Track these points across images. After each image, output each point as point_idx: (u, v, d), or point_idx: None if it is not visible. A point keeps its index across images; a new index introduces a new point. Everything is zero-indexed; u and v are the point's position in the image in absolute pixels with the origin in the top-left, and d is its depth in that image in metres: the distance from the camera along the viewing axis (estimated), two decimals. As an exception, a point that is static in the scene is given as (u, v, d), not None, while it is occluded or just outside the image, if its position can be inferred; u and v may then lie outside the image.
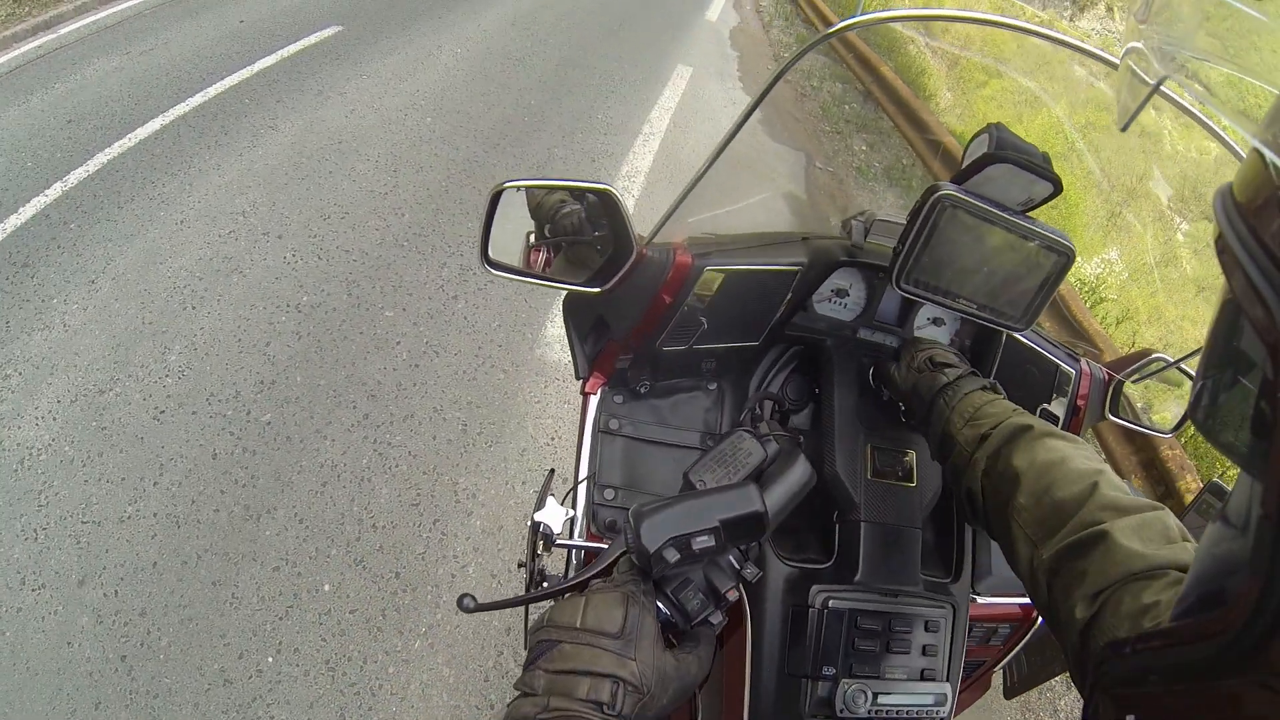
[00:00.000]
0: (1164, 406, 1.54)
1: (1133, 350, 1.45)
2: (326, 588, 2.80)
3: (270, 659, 2.59)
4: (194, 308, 3.91)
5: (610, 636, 0.77)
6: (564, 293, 1.25)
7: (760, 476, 0.93)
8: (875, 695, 1.06)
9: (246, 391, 3.49)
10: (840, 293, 1.34)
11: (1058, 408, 1.41)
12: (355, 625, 2.69)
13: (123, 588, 2.74)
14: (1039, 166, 1.04)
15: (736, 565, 0.87)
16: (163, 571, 2.80)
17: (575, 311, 1.30)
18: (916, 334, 1.37)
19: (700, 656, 0.84)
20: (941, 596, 1.17)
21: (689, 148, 6.05)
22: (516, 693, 0.76)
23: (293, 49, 6.76)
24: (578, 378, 1.32)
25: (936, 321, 1.39)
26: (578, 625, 0.78)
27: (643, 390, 1.32)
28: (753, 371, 1.38)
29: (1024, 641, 1.43)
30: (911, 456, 1.22)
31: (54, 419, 3.33)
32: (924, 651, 1.13)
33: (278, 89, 6.08)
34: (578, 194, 1.22)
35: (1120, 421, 1.45)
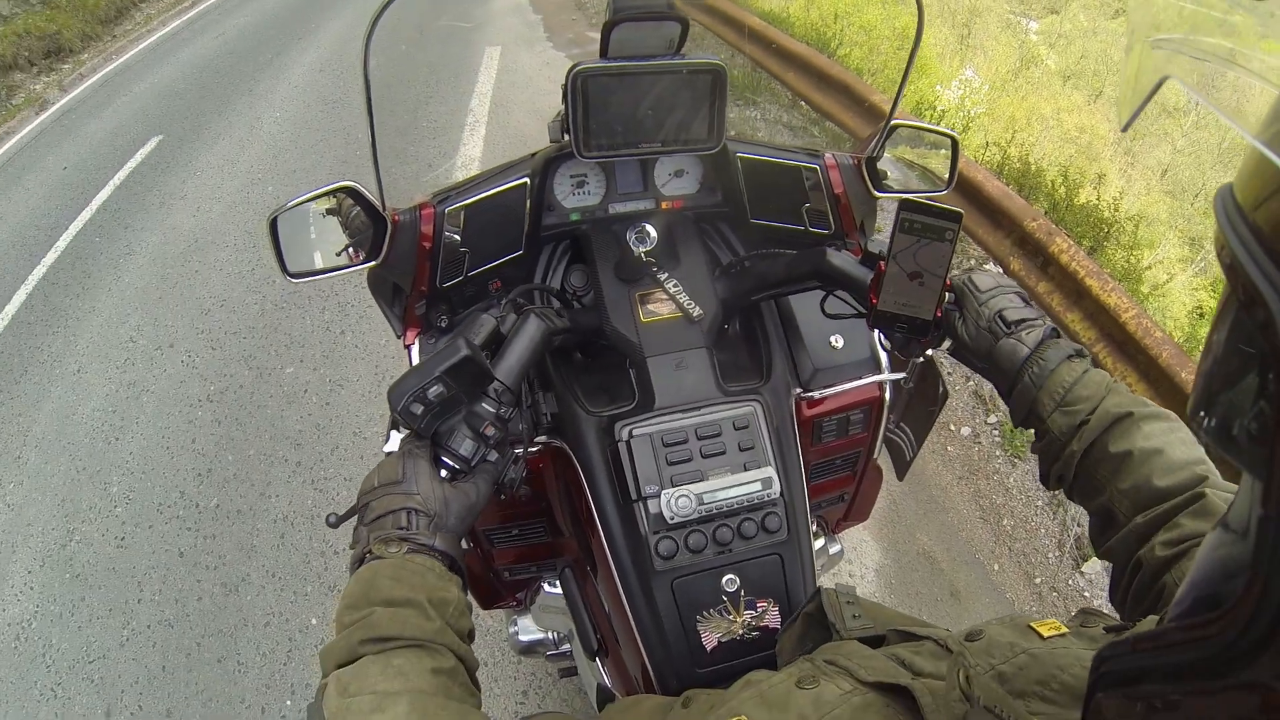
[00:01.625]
0: (932, 166, 1.56)
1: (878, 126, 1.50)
2: (314, 621, 3.05)
3: (289, 701, 2.84)
4: (117, 439, 4.08)
5: (394, 483, 1.00)
6: (366, 275, 1.40)
7: (500, 341, 1.15)
8: (699, 496, 1.14)
9: (189, 488, 3.69)
10: (580, 183, 1.49)
11: (819, 204, 1.49)
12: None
13: (144, 700, 2.95)
14: (655, 12, 1.17)
15: (492, 409, 1.08)
16: (172, 670, 3.01)
17: (376, 286, 1.44)
18: (662, 190, 1.52)
19: (478, 484, 1.07)
20: (746, 397, 1.26)
21: (514, 121, 6.26)
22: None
23: (123, 174, 6.83)
24: (397, 336, 1.47)
25: (678, 174, 1.52)
26: (375, 485, 1.01)
27: (443, 324, 1.44)
28: (532, 275, 1.52)
29: (886, 418, 1.52)
30: (680, 297, 1.34)
31: (31, 589, 3.50)
32: (740, 447, 1.21)
33: (122, 216, 6.18)
34: (339, 194, 1.33)
35: (889, 195, 1.47)
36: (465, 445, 1.05)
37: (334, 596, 3.06)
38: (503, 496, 1.14)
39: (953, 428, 3.79)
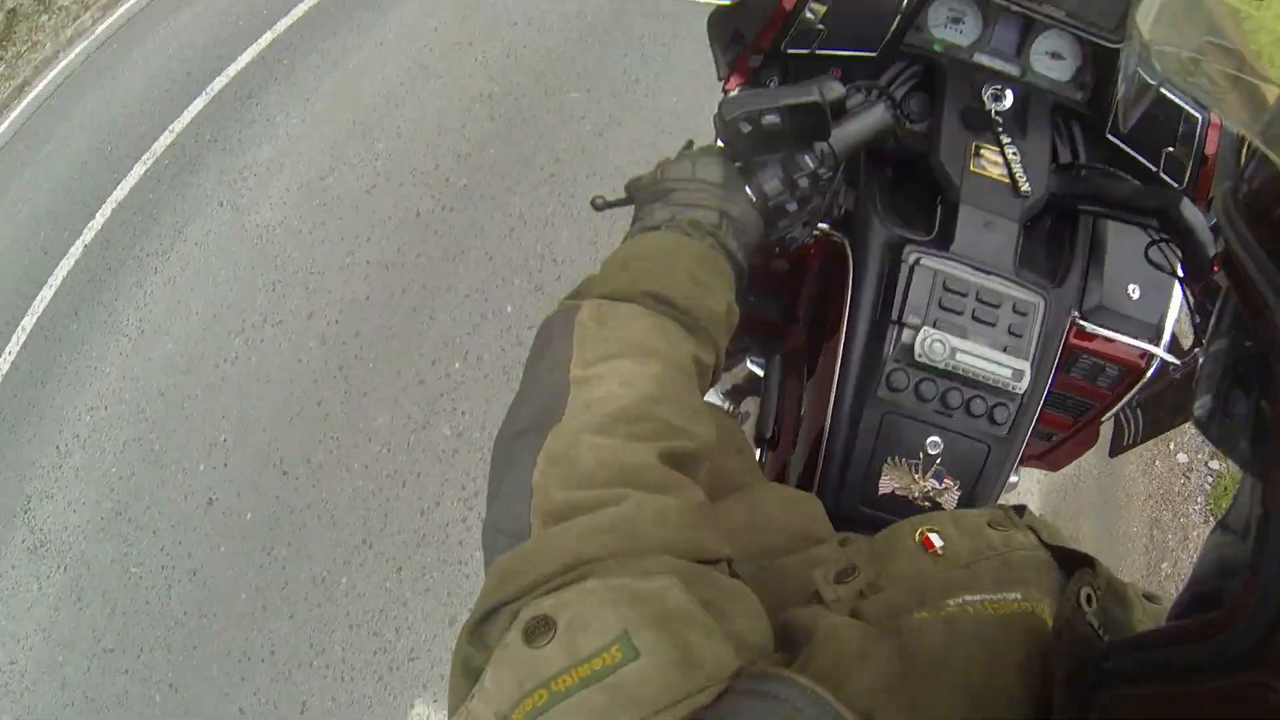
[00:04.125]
0: None
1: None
2: (509, 309, 3.13)
3: (458, 364, 2.99)
4: (396, 107, 4.19)
5: (716, 184, 0.94)
6: (709, 14, 1.39)
7: (842, 112, 1.05)
8: (954, 349, 1.10)
9: (445, 164, 3.75)
10: (956, 18, 1.40)
11: (1183, 156, 1.36)
12: (530, 337, 2.86)
13: (342, 317, 3.16)
14: None
15: (812, 164, 1.01)
16: (374, 303, 3.19)
17: (715, 25, 1.40)
18: (1034, 65, 1.42)
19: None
20: (1037, 287, 1.20)
21: None
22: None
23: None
24: (720, 79, 1.41)
25: (1056, 55, 1.41)
26: (691, 176, 0.94)
27: (772, 84, 1.37)
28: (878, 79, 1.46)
29: (1135, 391, 1.42)
30: (1015, 165, 1.26)
31: (284, 203, 3.77)
32: (1010, 330, 1.16)
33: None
34: None
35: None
36: (772, 184, 1.00)
37: (537, 295, 3.15)
38: (776, 252, 1.13)
39: (1173, 447, 3.45)
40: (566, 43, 4.56)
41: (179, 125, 4.53)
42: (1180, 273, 1.20)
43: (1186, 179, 1.39)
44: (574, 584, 0.53)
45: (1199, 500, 3.31)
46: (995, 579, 0.62)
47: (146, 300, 3.62)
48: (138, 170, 4.30)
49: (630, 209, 1.04)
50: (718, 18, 1.40)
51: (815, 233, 1.28)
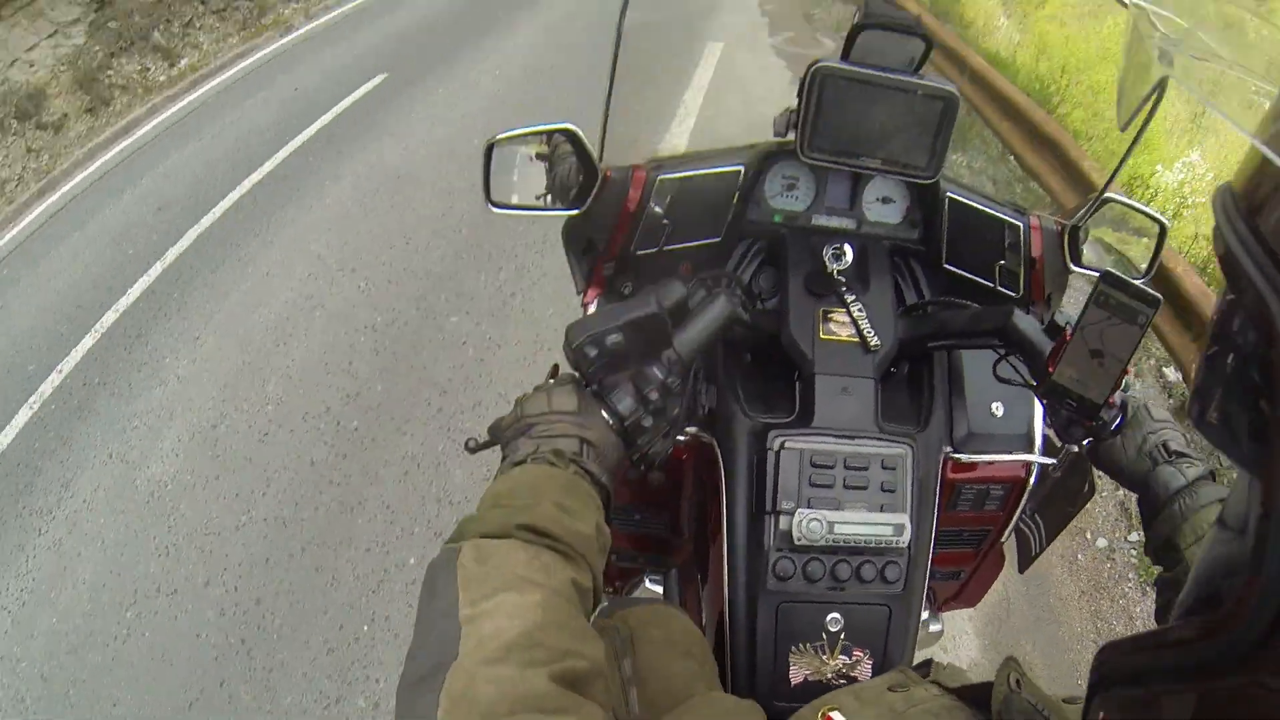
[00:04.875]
0: (1131, 252, 1.53)
1: (1088, 197, 1.46)
2: (412, 561, 3.14)
3: (366, 628, 2.94)
4: (284, 343, 4.33)
5: (570, 413, 0.99)
6: (561, 225, 1.43)
7: (684, 314, 1.12)
8: (831, 524, 1.12)
9: (335, 406, 3.87)
10: (790, 185, 1.47)
11: (1013, 264, 1.46)
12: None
13: (241, 583, 3.13)
14: (904, 25, 1.17)
15: (661, 375, 1.05)
16: (273, 565, 3.18)
17: (569, 236, 1.45)
18: (867, 214, 1.49)
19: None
20: (901, 439, 1.24)
21: (723, 119, 6.26)
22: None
23: (346, 103, 7.25)
24: (578, 293, 1.48)
25: (885, 200, 1.50)
26: (548, 409, 0.99)
27: (626, 290, 1.44)
28: (724, 265, 1.50)
29: (1025, 502, 1.47)
30: (862, 323, 1.32)
31: (176, 455, 3.78)
32: (882, 488, 1.19)
33: (337, 141, 6.57)
34: (556, 136, 1.37)
35: (1086, 271, 1.44)
36: (625, 403, 1.02)
37: (439, 543, 3.11)
38: (641, 468, 1.10)
39: (1089, 536, 3.54)
40: (444, 260, 4.82)
41: (67, 365, 4.53)
42: (1030, 380, 1.21)
43: (1021, 284, 1.47)
44: None
45: (1131, 577, 3.39)
46: None
47: (29, 567, 3.44)
48: (23, 416, 4.23)
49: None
50: (571, 228, 1.43)
51: (681, 438, 1.31)
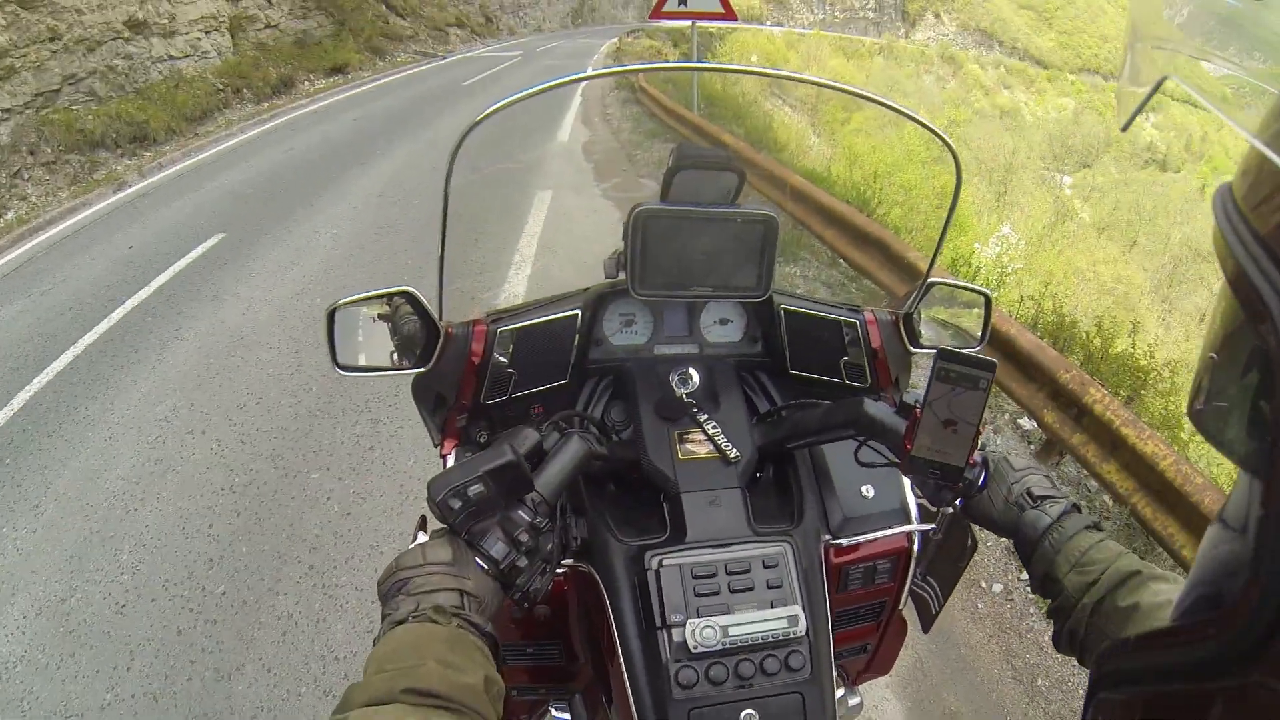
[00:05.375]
0: (964, 324, 1.62)
1: (915, 284, 1.56)
2: None
3: None
4: (135, 510, 4.26)
5: (446, 564, 1.01)
6: (410, 381, 1.45)
7: (541, 456, 1.18)
8: (724, 628, 1.13)
9: (198, 570, 3.83)
10: (629, 322, 1.56)
11: (856, 358, 1.55)
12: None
13: None
14: (715, 162, 1.28)
15: (528, 518, 1.10)
16: None
17: (419, 393, 1.46)
18: (707, 337, 1.58)
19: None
20: (777, 537, 1.27)
21: (557, 263, 6.82)
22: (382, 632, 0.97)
23: (183, 263, 7.31)
24: (434, 445, 1.49)
25: (723, 322, 1.59)
26: (423, 562, 1.01)
27: (481, 439, 1.48)
28: (575, 405, 1.56)
29: (914, 568, 1.50)
30: (718, 439, 1.38)
31: (23, 633, 3.60)
32: (768, 585, 1.21)
33: (176, 301, 6.59)
34: (396, 297, 1.39)
35: (924, 350, 1.52)
36: (497, 548, 1.06)
37: (329, 701, 3.16)
38: (525, 605, 1.12)
39: (984, 584, 3.79)
40: (298, 418, 4.93)
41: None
42: (893, 459, 1.24)
43: (868, 374, 1.54)
44: None
45: (1032, 612, 3.62)
46: None
47: None
48: None
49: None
50: (419, 385, 1.44)
51: (560, 572, 1.31)
